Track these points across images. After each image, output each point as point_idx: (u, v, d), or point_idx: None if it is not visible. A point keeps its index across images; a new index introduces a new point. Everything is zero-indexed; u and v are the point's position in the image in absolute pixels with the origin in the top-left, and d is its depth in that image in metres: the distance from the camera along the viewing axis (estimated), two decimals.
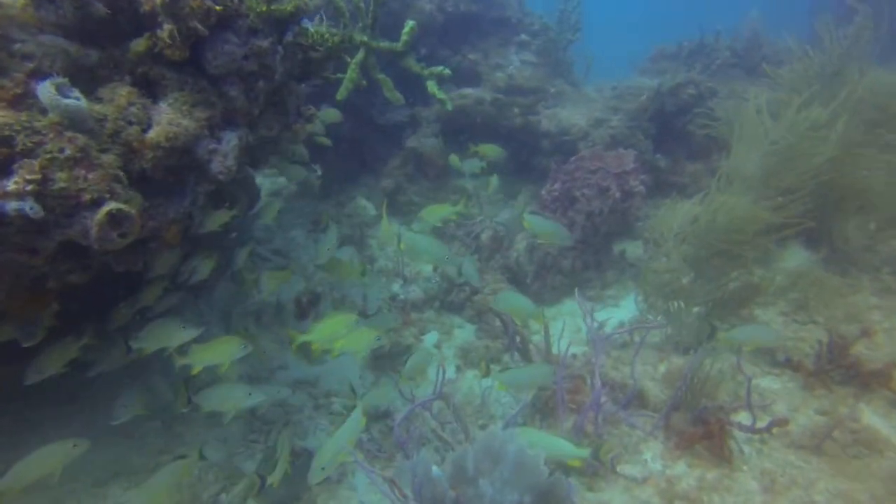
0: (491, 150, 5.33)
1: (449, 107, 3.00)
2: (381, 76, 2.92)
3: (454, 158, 5.36)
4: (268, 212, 4.51)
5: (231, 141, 2.36)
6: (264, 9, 2.33)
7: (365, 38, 2.86)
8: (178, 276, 3.37)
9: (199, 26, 2.11)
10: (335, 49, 2.79)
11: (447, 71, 2.90)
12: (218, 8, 2.15)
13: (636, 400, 3.16)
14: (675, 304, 3.92)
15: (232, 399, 2.91)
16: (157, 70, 2.21)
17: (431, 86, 2.88)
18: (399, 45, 2.86)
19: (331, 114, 5.09)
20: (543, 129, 5.84)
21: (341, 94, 2.83)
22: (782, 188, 3.81)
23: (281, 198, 6.83)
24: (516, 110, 5.90)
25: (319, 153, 5.66)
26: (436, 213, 4.02)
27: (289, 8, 2.43)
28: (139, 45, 2.16)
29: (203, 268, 3.39)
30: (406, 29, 2.81)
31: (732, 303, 3.88)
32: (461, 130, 6.06)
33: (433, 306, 4.94)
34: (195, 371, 2.83)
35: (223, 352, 2.85)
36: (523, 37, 6.97)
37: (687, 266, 3.89)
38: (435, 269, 5.08)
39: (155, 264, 2.80)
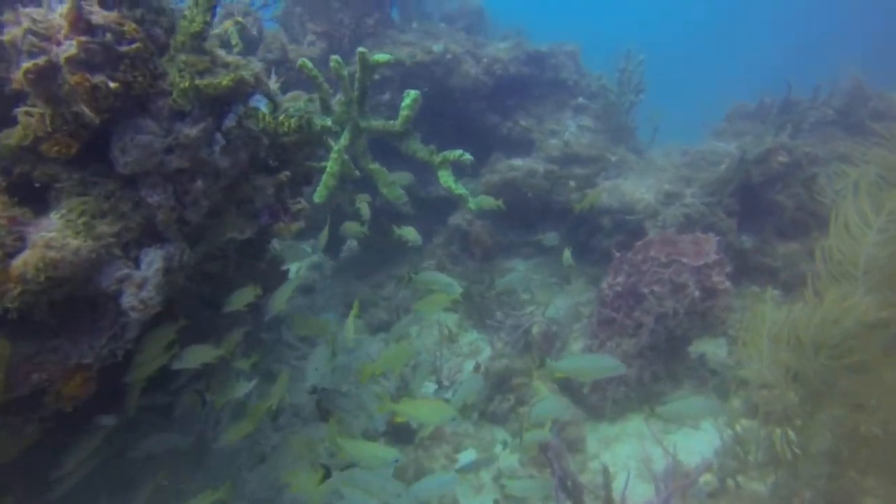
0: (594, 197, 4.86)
1: (471, 206, 2.28)
2: (374, 166, 2.20)
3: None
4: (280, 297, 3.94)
5: (153, 263, 1.73)
6: (187, 84, 1.70)
7: (328, 123, 2.18)
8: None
9: (87, 111, 1.52)
10: (312, 134, 2.12)
11: (467, 156, 2.16)
12: (114, 85, 1.55)
13: None
14: (783, 436, 3.00)
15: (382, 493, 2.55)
16: (44, 169, 1.63)
17: (445, 177, 2.14)
18: (397, 124, 2.16)
19: (402, 177, 4.64)
20: (604, 205, 5.06)
21: (320, 194, 2.13)
22: None
23: (318, 273, 6.40)
24: (572, 184, 5.16)
25: None
26: (433, 304, 3.35)
27: (224, 82, 1.77)
28: (11, 136, 1.59)
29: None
30: (407, 101, 2.09)
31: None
32: (510, 207, 5.39)
33: (470, 417, 4.18)
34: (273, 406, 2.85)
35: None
36: (581, 100, 6.34)
37: (791, 380, 3.00)
38: (477, 370, 4.33)
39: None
